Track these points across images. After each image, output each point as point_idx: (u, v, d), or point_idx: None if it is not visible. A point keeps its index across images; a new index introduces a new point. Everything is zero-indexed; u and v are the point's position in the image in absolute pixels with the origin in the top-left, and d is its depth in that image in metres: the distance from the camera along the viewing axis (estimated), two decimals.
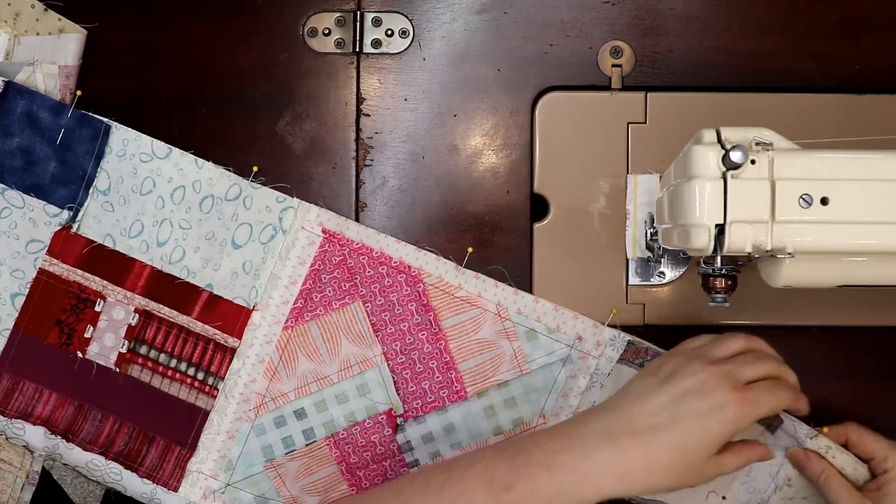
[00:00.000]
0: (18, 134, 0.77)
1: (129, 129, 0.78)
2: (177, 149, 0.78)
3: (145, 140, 0.78)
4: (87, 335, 0.79)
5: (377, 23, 0.80)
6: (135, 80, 0.80)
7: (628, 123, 0.79)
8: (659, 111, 0.79)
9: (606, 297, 0.79)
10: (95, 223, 0.78)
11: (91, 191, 0.78)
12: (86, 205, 0.78)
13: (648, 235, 0.77)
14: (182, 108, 0.80)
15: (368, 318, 0.78)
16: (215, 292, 0.78)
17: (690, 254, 0.74)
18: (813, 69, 0.80)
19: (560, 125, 0.80)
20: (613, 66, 0.80)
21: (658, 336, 0.80)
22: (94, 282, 0.79)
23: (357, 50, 0.81)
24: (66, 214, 0.78)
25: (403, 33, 0.81)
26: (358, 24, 0.81)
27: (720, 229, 0.60)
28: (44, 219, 0.78)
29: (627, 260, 0.79)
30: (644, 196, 0.78)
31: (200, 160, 0.78)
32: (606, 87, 0.80)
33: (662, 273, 0.79)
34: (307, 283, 0.78)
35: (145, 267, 0.78)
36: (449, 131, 0.81)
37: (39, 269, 0.78)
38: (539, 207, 0.80)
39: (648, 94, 0.79)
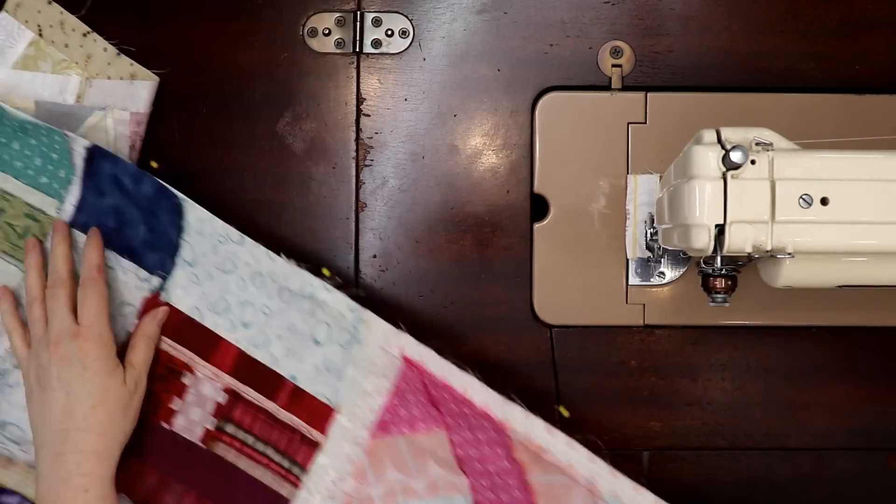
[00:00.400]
0: (109, 194, 0.75)
1: (202, 208, 0.75)
2: (249, 238, 0.75)
3: (219, 223, 0.75)
4: (173, 406, 0.75)
5: (377, 23, 0.80)
6: None
7: (628, 123, 0.79)
8: (659, 111, 0.79)
9: (606, 297, 0.79)
10: (183, 293, 0.75)
11: (178, 260, 0.75)
12: (173, 274, 0.75)
13: (648, 235, 0.77)
14: (182, 108, 0.80)
15: (454, 449, 0.73)
16: (299, 385, 0.75)
17: (690, 254, 0.74)
18: (813, 69, 0.80)
19: (560, 125, 0.80)
20: (613, 66, 0.80)
21: (658, 336, 0.80)
22: (183, 354, 0.75)
23: (357, 50, 0.81)
24: (155, 281, 0.75)
25: (403, 33, 0.81)
26: (358, 24, 0.81)
27: (720, 229, 0.60)
28: (135, 282, 0.75)
29: (627, 260, 0.79)
30: (644, 196, 0.78)
31: (272, 253, 0.75)
32: (606, 87, 0.80)
33: (662, 273, 0.79)
34: (392, 399, 0.75)
35: (231, 346, 0.75)
36: (449, 131, 0.81)
37: (130, 333, 0.75)
38: (539, 207, 0.80)
39: (648, 94, 0.79)
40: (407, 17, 0.81)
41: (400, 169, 0.81)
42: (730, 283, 0.68)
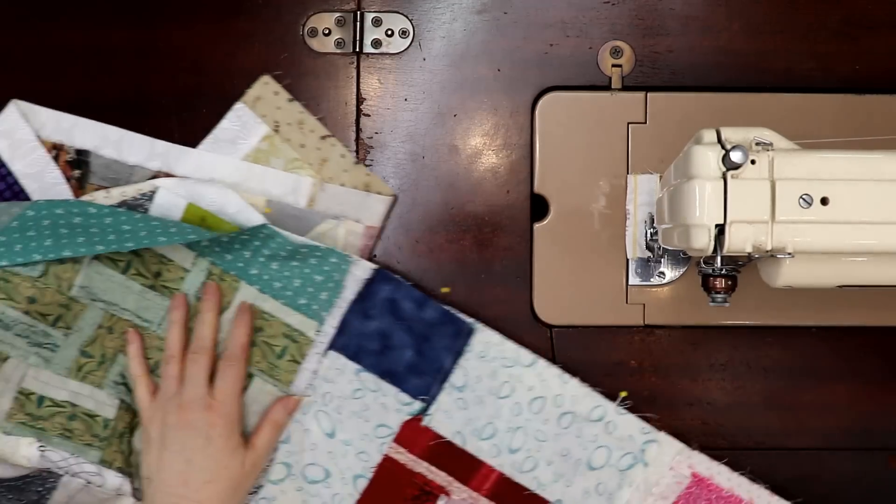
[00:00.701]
0: (378, 318, 0.76)
1: (494, 333, 0.76)
2: (542, 359, 0.76)
3: (510, 346, 0.76)
4: None
5: (377, 23, 0.80)
6: (135, 80, 0.80)
7: (628, 123, 0.79)
8: (659, 111, 0.79)
9: (606, 297, 0.79)
10: (446, 418, 0.76)
11: (445, 385, 0.76)
12: (438, 398, 0.76)
13: (648, 235, 0.77)
14: (182, 108, 0.80)
15: None
16: None
17: (690, 254, 0.74)
18: (813, 69, 0.80)
19: (560, 125, 0.80)
20: (613, 66, 0.80)
21: (658, 336, 0.80)
22: (439, 476, 0.76)
23: (357, 50, 0.81)
24: (417, 405, 0.76)
25: (403, 33, 0.81)
26: (358, 24, 0.81)
27: (720, 229, 0.60)
28: (395, 405, 0.76)
29: (627, 260, 0.79)
30: (644, 196, 0.78)
31: (566, 375, 0.75)
32: (606, 87, 0.80)
33: (662, 273, 0.79)
34: None
35: (493, 471, 0.76)
36: (449, 131, 0.81)
37: (385, 455, 0.76)
38: (539, 207, 0.80)
39: (648, 94, 0.79)
40: (407, 17, 0.81)
41: (400, 169, 0.81)
42: (730, 283, 0.68)
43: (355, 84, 0.81)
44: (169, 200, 0.77)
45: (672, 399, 0.80)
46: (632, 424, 0.75)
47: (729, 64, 0.80)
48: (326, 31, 0.81)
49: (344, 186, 0.78)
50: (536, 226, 0.80)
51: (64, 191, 0.78)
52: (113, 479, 0.75)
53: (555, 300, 0.80)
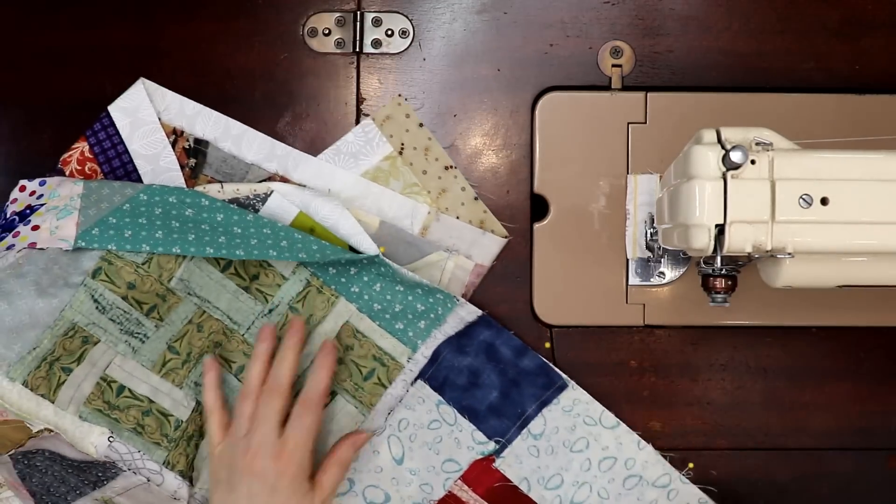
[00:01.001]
0: (472, 356, 0.76)
1: (585, 392, 0.77)
2: (625, 425, 0.77)
3: (596, 407, 0.77)
4: None
5: (377, 23, 0.80)
6: (135, 81, 0.80)
7: (628, 123, 0.79)
8: (659, 111, 0.79)
9: (606, 297, 0.79)
10: (517, 463, 0.76)
11: (524, 431, 0.76)
12: (514, 443, 0.76)
13: (648, 235, 0.77)
14: None
15: None
16: None
17: (690, 254, 0.74)
18: (813, 69, 0.80)
19: (560, 125, 0.80)
20: (613, 66, 0.80)
21: (658, 336, 0.80)
22: None
23: (357, 50, 0.81)
24: (491, 446, 0.76)
25: (403, 33, 0.81)
26: (358, 24, 0.81)
27: (720, 229, 0.60)
28: (468, 443, 0.76)
29: (627, 260, 0.79)
30: (644, 196, 0.78)
31: (643, 442, 0.77)
32: (606, 87, 0.80)
33: (662, 273, 0.79)
34: None
35: None
36: (449, 131, 0.81)
37: (448, 491, 0.76)
38: (539, 207, 0.80)
39: (648, 94, 0.79)
40: (407, 17, 0.81)
41: None
42: (730, 283, 0.68)
43: (355, 84, 0.81)
44: (281, 206, 0.76)
45: (672, 399, 0.80)
46: (691, 494, 0.77)
47: (729, 64, 0.80)
48: (326, 31, 0.81)
49: (459, 220, 0.78)
50: (536, 226, 0.80)
51: (176, 177, 0.78)
52: (172, 480, 0.74)
53: (555, 300, 0.80)
